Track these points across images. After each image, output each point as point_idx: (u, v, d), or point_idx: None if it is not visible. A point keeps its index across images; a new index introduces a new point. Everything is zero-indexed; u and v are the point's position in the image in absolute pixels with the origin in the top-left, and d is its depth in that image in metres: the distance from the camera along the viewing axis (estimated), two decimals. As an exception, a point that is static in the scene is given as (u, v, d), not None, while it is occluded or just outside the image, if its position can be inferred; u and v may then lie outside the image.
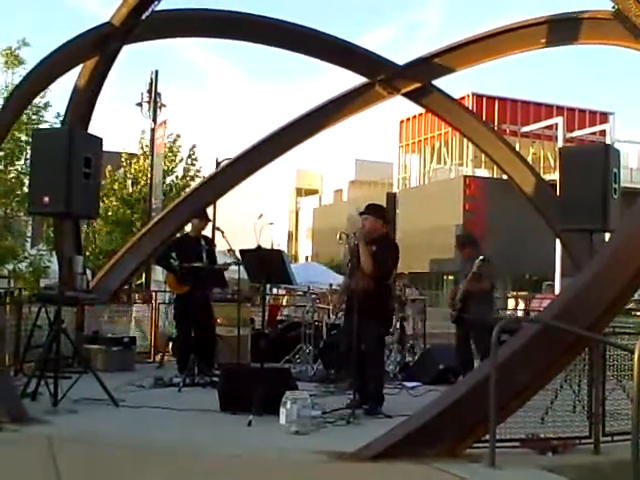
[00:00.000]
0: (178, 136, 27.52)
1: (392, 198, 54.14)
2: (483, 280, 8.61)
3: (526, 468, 5.37)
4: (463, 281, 8.72)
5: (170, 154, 26.95)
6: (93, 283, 11.25)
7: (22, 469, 4.99)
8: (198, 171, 28.22)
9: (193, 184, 26.33)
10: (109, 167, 26.89)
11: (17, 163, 17.85)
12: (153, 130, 22.38)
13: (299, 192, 77.73)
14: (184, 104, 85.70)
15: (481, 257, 8.55)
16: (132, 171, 27.56)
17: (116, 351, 9.88)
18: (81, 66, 9.88)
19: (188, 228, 11.04)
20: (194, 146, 28.40)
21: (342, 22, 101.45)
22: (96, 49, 9.60)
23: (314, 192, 75.47)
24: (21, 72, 16.86)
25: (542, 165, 44.35)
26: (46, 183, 6.97)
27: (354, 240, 7.52)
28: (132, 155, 28.17)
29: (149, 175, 23.00)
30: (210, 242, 10.02)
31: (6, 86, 17.40)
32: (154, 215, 17.85)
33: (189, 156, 28.11)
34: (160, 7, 9.61)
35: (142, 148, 27.47)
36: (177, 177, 27.77)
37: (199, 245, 9.51)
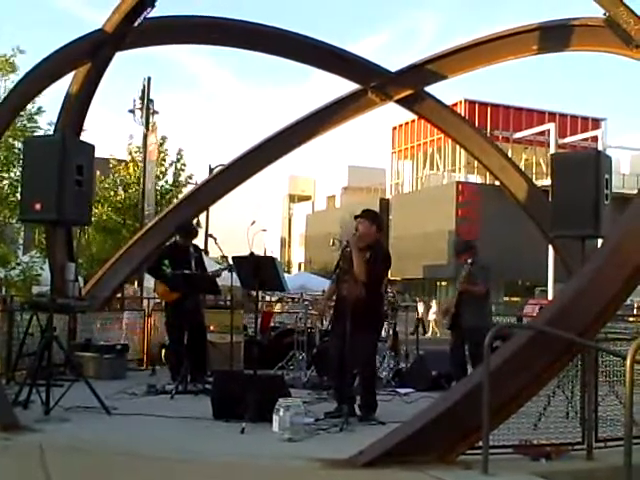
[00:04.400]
0: (164, 138, 27.35)
1: (385, 204, 54.42)
2: (477, 284, 8.62)
3: (519, 474, 5.37)
4: (457, 284, 8.75)
5: (159, 157, 26.85)
6: (85, 290, 11.22)
7: (13, 478, 4.96)
8: (189, 177, 28.12)
9: (184, 190, 26.30)
10: (98, 173, 26.86)
11: (12, 170, 17.78)
12: (146, 137, 22.36)
13: (292, 198, 77.73)
14: (176, 110, 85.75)
15: (469, 261, 8.60)
16: (122, 177, 27.46)
17: (108, 359, 9.84)
18: (73, 73, 9.88)
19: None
20: (181, 150, 28.27)
21: (336, 29, 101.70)
22: (89, 56, 9.61)
23: (307, 198, 75.51)
24: (14, 79, 16.82)
25: (534, 171, 44.47)
26: (38, 190, 6.95)
27: (345, 245, 7.54)
28: (121, 161, 28.06)
29: (139, 181, 22.96)
30: (199, 250, 10.02)
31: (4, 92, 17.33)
32: (146, 222, 17.80)
33: (178, 160, 28.00)
34: (152, 14, 9.64)
35: (130, 154, 27.36)
36: (167, 182, 27.67)
37: (188, 253, 9.51)
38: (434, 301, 32.33)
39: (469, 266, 8.57)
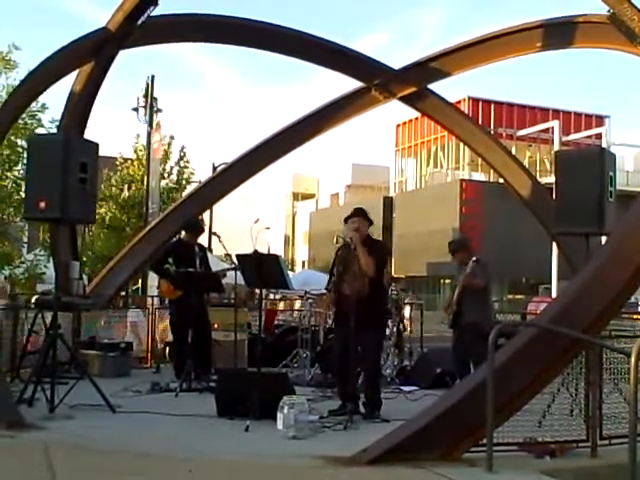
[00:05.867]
0: (172, 138, 27.50)
1: (389, 202, 54.39)
2: (476, 279, 8.62)
3: (524, 472, 5.37)
4: (458, 284, 8.75)
5: (164, 156, 26.95)
6: (89, 288, 11.23)
7: (18, 475, 4.97)
8: (192, 173, 28.19)
9: (187, 188, 26.34)
10: (106, 171, 26.95)
11: (15, 169, 17.77)
12: (149, 135, 22.37)
13: (296, 196, 77.71)
14: (180, 109, 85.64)
15: (474, 258, 8.60)
16: (128, 175, 27.51)
17: (112, 356, 9.86)
18: (77, 71, 9.89)
19: (184, 232, 11.03)
20: (184, 147, 28.38)
21: (338, 27, 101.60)
22: (92, 54, 9.62)
23: (311, 196, 75.47)
24: (14, 76, 16.80)
25: (538, 169, 44.43)
26: (42, 189, 6.97)
27: (339, 248, 7.60)
28: (127, 160, 28.12)
29: (144, 179, 22.99)
30: (204, 249, 10.03)
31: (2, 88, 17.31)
32: (150, 220, 17.81)
33: (181, 158, 28.09)
34: (155, 12, 9.64)
35: (136, 152, 27.42)
36: (171, 180, 27.73)
37: (193, 251, 9.53)
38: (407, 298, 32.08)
39: (474, 264, 8.54)
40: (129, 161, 27.78)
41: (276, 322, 12.86)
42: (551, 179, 8.61)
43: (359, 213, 7.66)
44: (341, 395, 7.49)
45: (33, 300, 9.95)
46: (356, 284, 7.24)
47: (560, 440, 5.85)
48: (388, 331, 10.07)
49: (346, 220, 7.66)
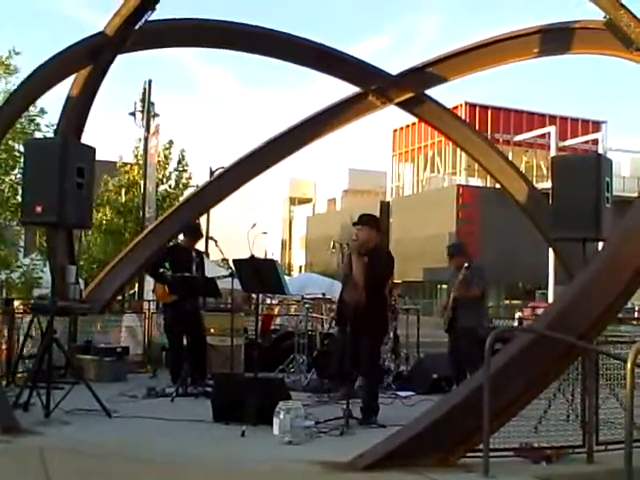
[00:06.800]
0: (171, 142, 27.56)
1: (386, 207, 54.44)
2: (472, 287, 8.64)
3: (520, 477, 5.37)
4: (453, 289, 8.78)
5: (163, 161, 26.96)
6: (86, 293, 11.21)
7: (14, 481, 4.96)
8: (189, 178, 28.20)
9: (185, 192, 26.35)
10: (105, 176, 26.94)
11: (12, 173, 17.76)
12: (146, 139, 22.36)
13: (293, 201, 77.72)
14: (177, 113, 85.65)
15: (466, 264, 8.62)
16: (127, 180, 27.51)
17: (109, 361, 9.84)
18: (74, 75, 9.89)
19: (181, 237, 11.03)
20: (183, 150, 28.41)
21: (336, 32, 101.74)
22: (89, 59, 9.62)
23: (308, 201, 75.51)
24: (14, 81, 16.79)
25: (535, 174, 44.43)
26: (39, 193, 6.96)
27: (348, 250, 7.56)
28: (126, 164, 28.12)
29: (142, 184, 22.97)
30: (200, 254, 10.03)
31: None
32: (147, 225, 17.80)
33: (179, 162, 28.11)
34: (152, 17, 9.64)
35: (137, 157, 27.43)
36: (170, 186, 27.72)
37: (190, 256, 9.52)
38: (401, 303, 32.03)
39: (466, 271, 8.57)
40: (129, 165, 27.78)
41: (273, 327, 12.86)
42: (548, 184, 8.60)
43: (363, 221, 7.56)
44: (338, 382, 7.42)
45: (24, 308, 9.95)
46: (354, 292, 7.24)
47: (556, 446, 5.84)
48: (385, 336, 10.08)
49: (354, 224, 7.61)
